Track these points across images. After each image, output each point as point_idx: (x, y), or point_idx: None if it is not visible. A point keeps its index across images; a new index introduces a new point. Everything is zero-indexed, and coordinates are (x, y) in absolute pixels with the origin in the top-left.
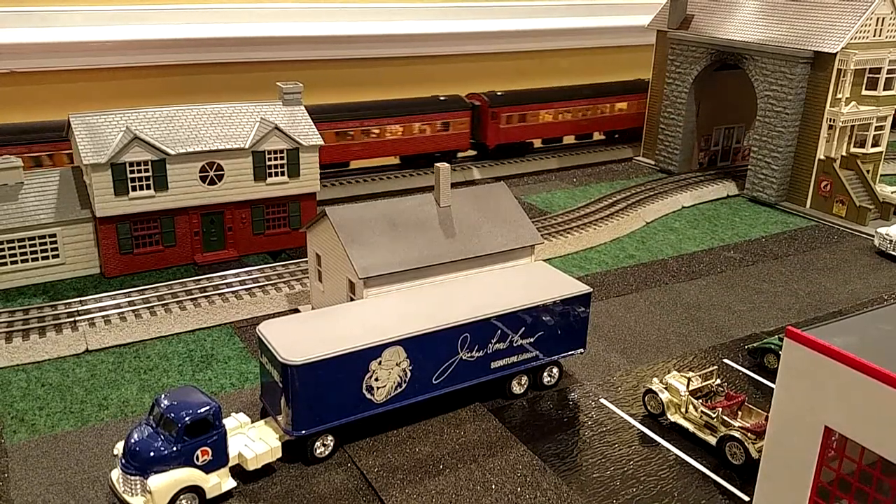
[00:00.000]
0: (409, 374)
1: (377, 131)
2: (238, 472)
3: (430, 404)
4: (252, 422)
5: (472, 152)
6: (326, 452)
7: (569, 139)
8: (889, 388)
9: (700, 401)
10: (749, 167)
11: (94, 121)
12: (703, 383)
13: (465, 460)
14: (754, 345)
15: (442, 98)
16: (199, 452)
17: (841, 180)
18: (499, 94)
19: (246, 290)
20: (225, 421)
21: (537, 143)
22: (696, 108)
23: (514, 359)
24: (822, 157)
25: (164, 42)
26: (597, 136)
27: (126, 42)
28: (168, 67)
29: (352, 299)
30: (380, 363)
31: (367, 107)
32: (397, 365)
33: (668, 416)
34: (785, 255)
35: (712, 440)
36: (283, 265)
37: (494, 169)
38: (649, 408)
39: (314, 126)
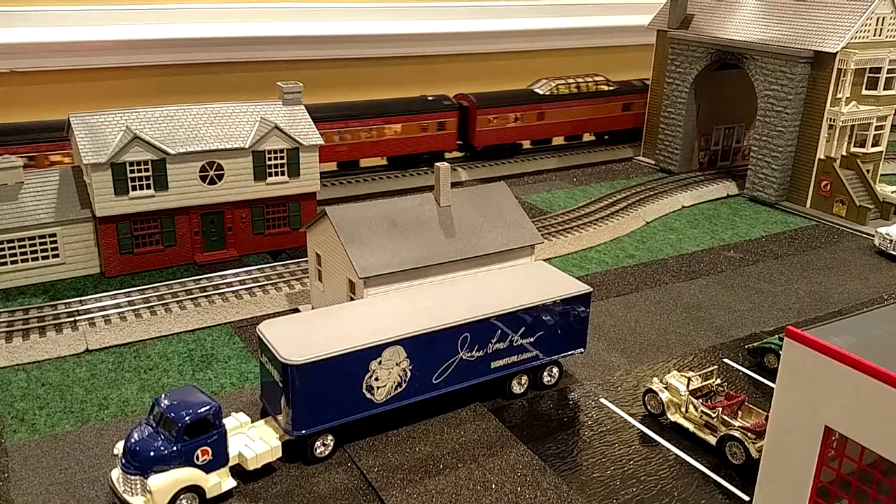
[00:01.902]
0: (409, 374)
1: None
2: (238, 471)
3: (430, 404)
4: (252, 421)
5: None
6: (326, 452)
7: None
8: (889, 388)
9: (700, 400)
10: (749, 167)
11: (94, 120)
12: (703, 383)
13: (465, 460)
14: (754, 344)
15: None
16: (199, 452)
17: (841, 180)
18: None
19: (246, 289)
20: (225, 420)
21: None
22: (696, 108)
23: (514, 358)
24: (822, 156)
25: (163, 42)
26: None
27: (125, 42)
28: (168, 67)
29: (352, 299)
30: (380, 363)
31: None
32: (397, 365)
33: (668, 415)
34: (785, 254)
35: (712, 440)
36: (283, 265)
37: None
38: (649, 407)
39: (314, 125)
